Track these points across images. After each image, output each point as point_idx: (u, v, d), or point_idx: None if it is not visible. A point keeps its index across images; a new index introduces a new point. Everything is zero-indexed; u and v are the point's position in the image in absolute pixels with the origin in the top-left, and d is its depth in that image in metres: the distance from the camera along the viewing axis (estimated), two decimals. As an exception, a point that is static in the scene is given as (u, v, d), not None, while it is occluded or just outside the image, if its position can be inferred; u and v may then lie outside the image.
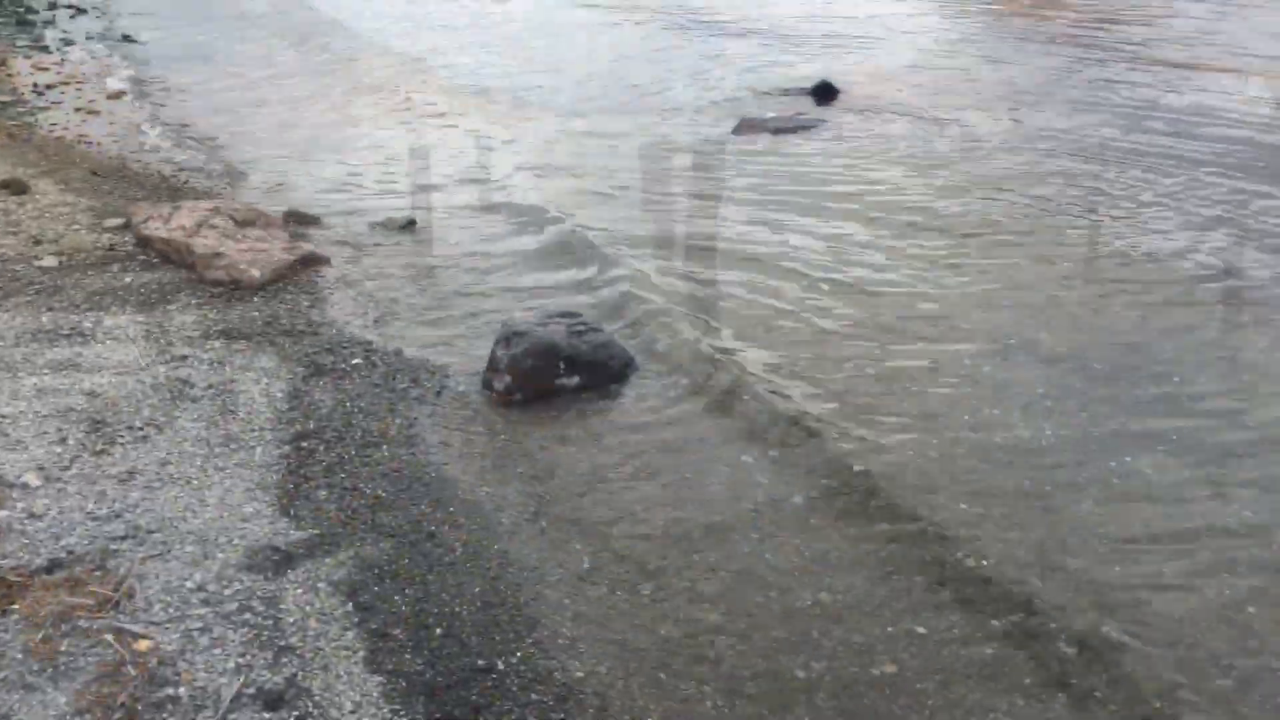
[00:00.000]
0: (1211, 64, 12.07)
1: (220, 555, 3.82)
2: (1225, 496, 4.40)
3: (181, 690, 3.18)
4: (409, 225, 7.42)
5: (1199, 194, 7.98)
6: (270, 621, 3.50)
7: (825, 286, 6.44)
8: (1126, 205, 7.82)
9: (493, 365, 5.31)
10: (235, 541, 3.90)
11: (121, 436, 4.54)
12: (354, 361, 5.43)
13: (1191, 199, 7.89)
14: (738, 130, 10.01)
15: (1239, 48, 12.87)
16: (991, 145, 9.34)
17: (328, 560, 3.85)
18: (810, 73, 11.99)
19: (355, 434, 4.73)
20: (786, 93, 11.39)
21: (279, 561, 3.82)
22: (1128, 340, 5.73)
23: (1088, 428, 4.90)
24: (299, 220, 7.39)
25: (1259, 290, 6.35)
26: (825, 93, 11.23)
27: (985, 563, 3.96)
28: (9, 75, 11.33)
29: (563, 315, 5.70)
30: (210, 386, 5.02)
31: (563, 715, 3.23)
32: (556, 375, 5.31)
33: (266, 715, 3.13)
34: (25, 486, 4.13)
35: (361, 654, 3.40)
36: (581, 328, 5.57)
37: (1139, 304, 6.18)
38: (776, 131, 9.86)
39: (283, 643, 3.41)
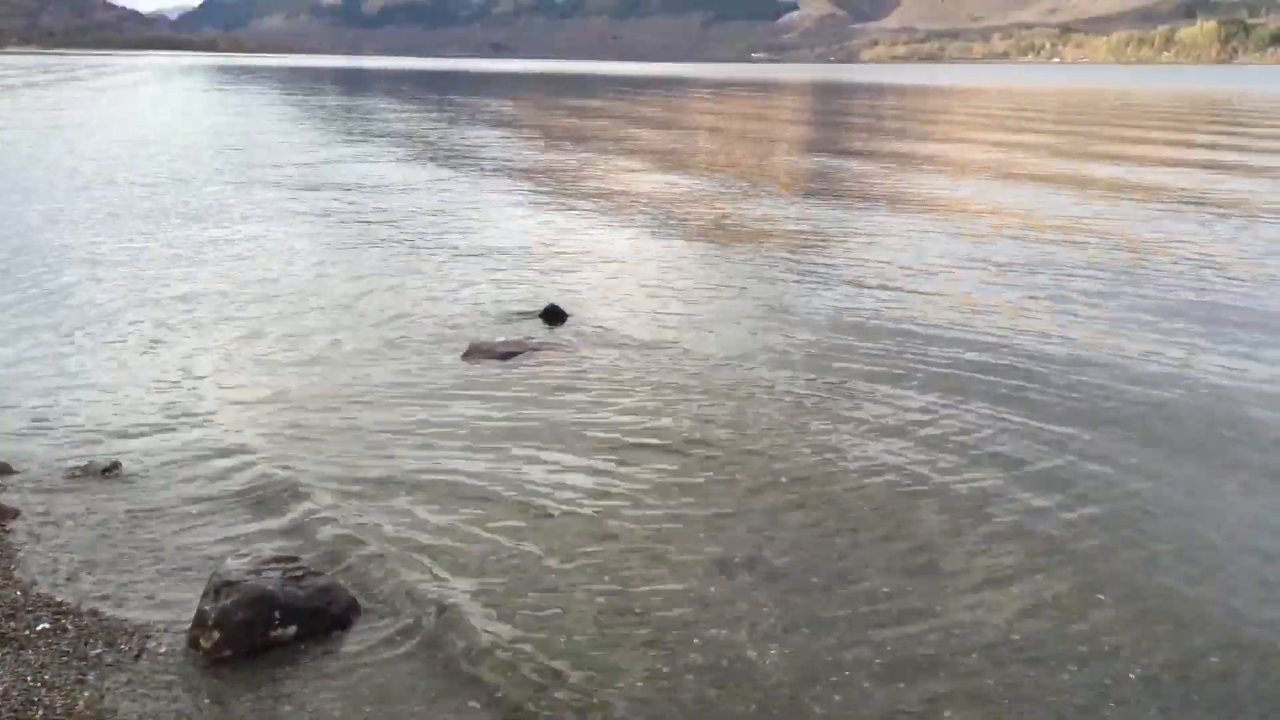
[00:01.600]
0: (907, 286, 13.24)
1: None
2: (935, 706, 4.57)
3: None
4: (112, 469, 6.95)
5: (892, 404, 8.58)
6: None
7: (548, 518, 6.41)
8: (828, 420, 8.29)
9: (200, 621, 4.95)
10: None
11: None
12: (40, 627, 4.93)
13: (860, 410, 8.46)
14: (467, 355, 10.08)
15: (927, 268, 14.20)
16: (710, 363, 9.77)
17: None
18: (539, 295, 12.33)
19: (36, 715, 4.24)
20: (515, 316, 11.64)
21: None
22: (842, 559, 5.97)
23: (810, 646, 5.01)
24: (-17, 469, 6.79)
25: (953, 498, 6.80)
26: (554, 316, 11.54)
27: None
28: None
29: (278, 561, 5.41)
30: None
31: None
32: (271, 627, 5.00)
33: None
34: None
35: None
36: (299, 573, 5.30)
37: (846, 517, 6.48)
38: (505, 356, 9.99)
39: None
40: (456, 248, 15.40)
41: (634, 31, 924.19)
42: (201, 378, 9.21)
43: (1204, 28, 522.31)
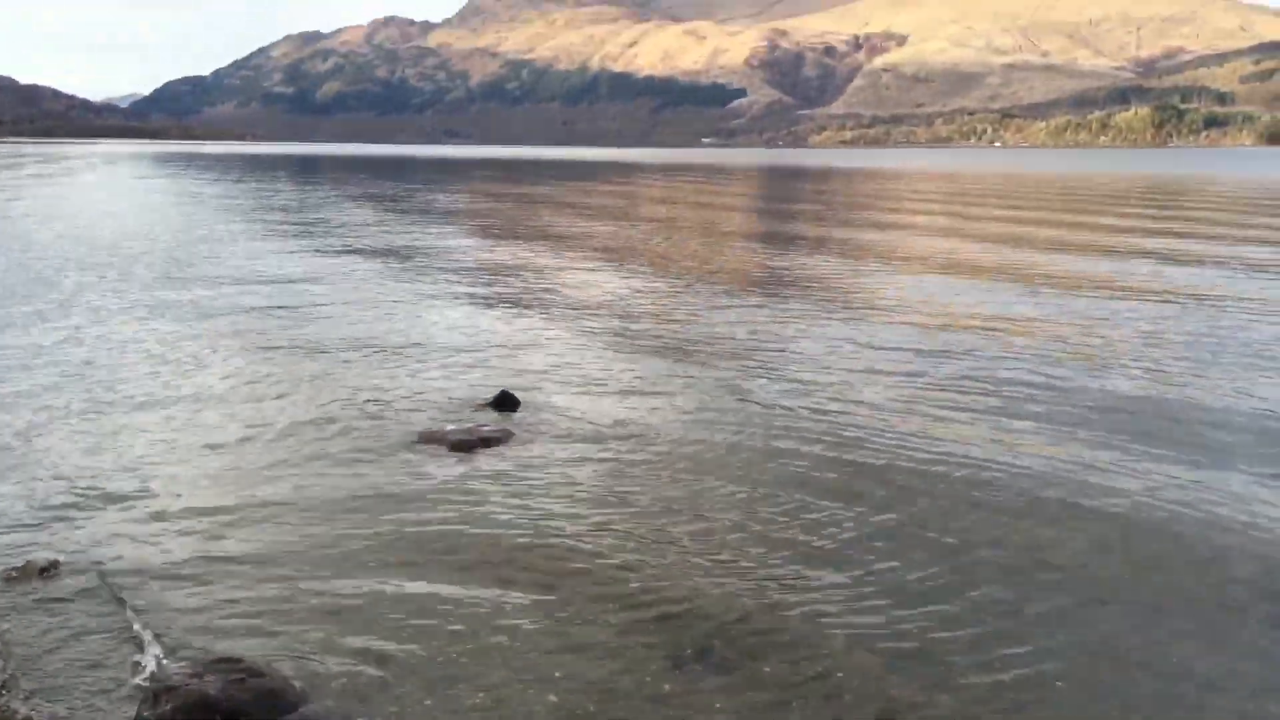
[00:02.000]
0: (853, 380, 13.35)
1: None
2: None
3: None
4: (50, 569, 6.75)
5: (846, 504, 8.59)
6: None
7: (499, 623, 6.31)
8: (778, 514, 8.27)
9: (138, 729, 4.78)
10: None
11: None
12: (-31, 739, 4.73)
13: (810, 510, 8.47)
14: (418, 442, 9.99)
15: (871, 365, 14.34)
16: (660, 458, 9.74)
17: None
18: (490, 382, 12.27)
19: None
20: (467, 404, 11.56)
21: None
22: (798, 649, 5.92)
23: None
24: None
25: (904, 592, 6.78)
26: (506, 403, 11.48)
27: None
28: None
29: (221, 662, 5.26)
30: None
31: None
32: (214, 733, 4.84)
33: None
34: None
35: None
36: (243, 675, 5.15)
37: (802, 610, 6.43)
38: (456, 446, 9.90)
39: None
40: (404, 338, 15.31)
41: (586, 117, 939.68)
42: (145, 472, 9.02)
43: (1139, 113, 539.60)
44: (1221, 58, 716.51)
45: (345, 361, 13.57)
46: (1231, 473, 9.17)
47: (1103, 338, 15.34)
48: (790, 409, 11.34)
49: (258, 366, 13.23)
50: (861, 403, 11.55)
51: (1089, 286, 20.67)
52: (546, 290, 20.26)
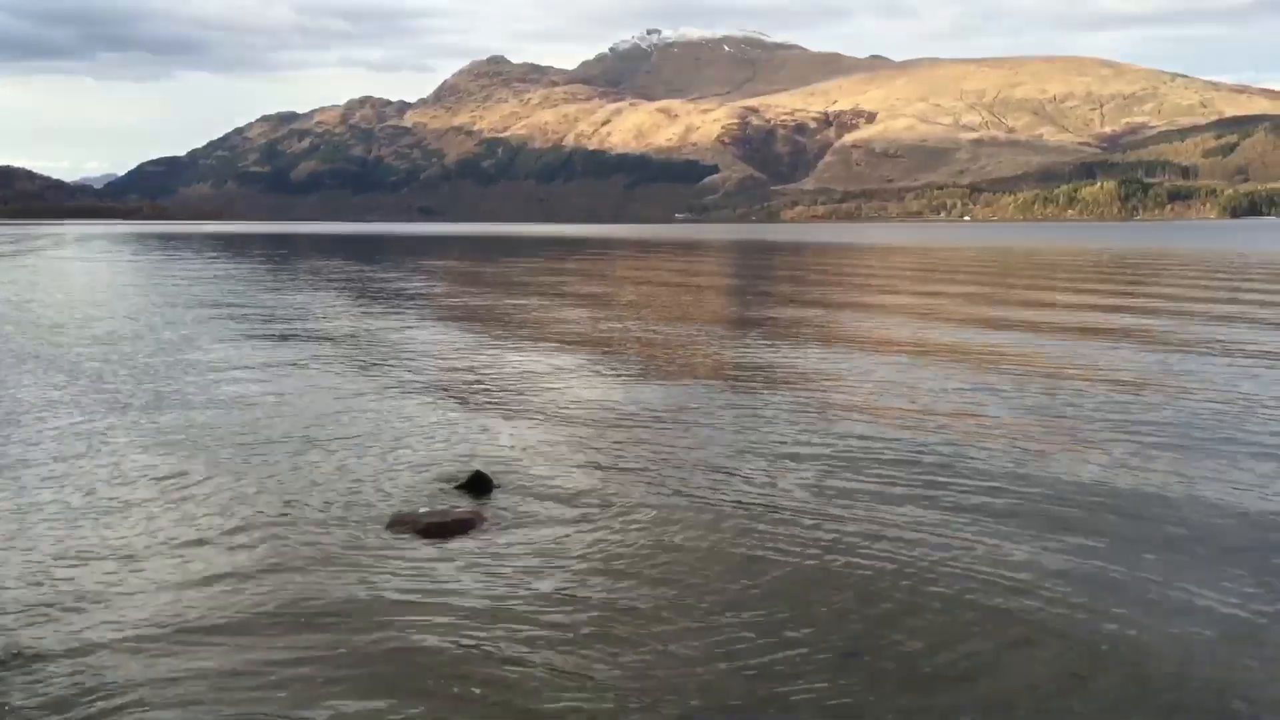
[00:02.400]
0: (835, 456, 13.03)
1: None
2: None
3: None
4: (13, 659, 6.29)
5: (837, 587, 8.22)
6: None
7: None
8: (759, 606, 7.89)
9: None
10: None
11: None
12: None
13: (796, 601, 8.10)
14: (389, 528, 9.56)
15: (840, 441, 14.04)
16: (637, 542, 9.36)
17: None
18: (466, 463, 11.86)
19: None
20: (442, 485, 11.13)
21: None
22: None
23: None
24: None
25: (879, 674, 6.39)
26: (479, 486, 11.05)
27: None
28: None
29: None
30: None
31: None
32: None
33: None
34: None
35: None
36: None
37: (784, 699, 6.02)
38: (428, 531, 9.46)
39: None
40: (373, 424, 14.87)
41: (560, 194, 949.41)
42: (79, 586, 8.51)
43: (1104, 187, 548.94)
44: (1183, 133, 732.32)
45: (305, 452, 12.98)
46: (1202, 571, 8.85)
47: (1069, 425, 15.12)
48: (768, 505, 10.96)
49: (210, 464, 12.73)
50: (839, 495, 11.13)
51: (1051, 371, 20.53)
52: (521, 372, 19.87)
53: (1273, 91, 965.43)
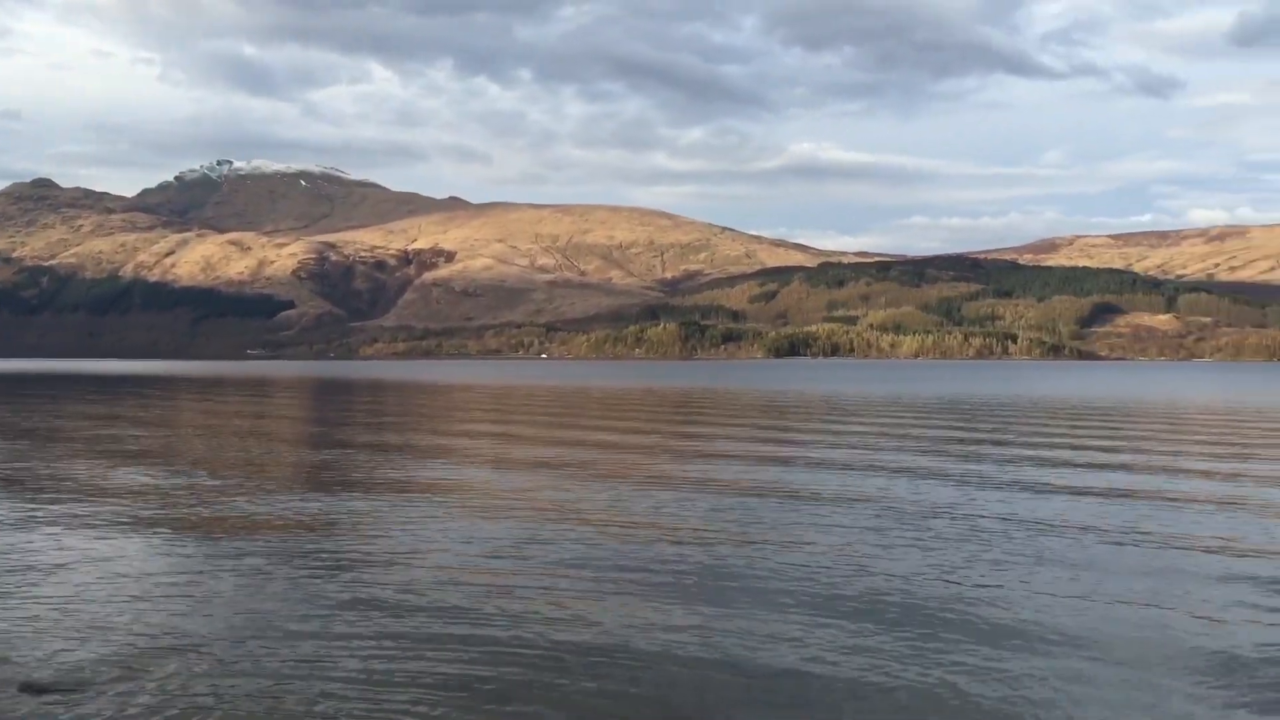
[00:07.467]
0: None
1: None
2: None
3: None
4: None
5: None
6: None
7: None
8: None
9: None
10: None
11: None
12: None
13: None
14: None
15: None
16: None
17: None
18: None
19: None
20: None
21: None
22: None
23: None
24: None
25: None
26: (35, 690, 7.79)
27: None
28: None
29: None
30: None
31: None
32: None
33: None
34: None
35: None
36: None
37: None
38: None
39: None
40: None
41: (116, 328, 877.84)
42: None
43: (668, 328, 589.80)
44: (733, 280, 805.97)
45: None
46: None
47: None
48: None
49: None
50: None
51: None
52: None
53: (804, 246, 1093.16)
